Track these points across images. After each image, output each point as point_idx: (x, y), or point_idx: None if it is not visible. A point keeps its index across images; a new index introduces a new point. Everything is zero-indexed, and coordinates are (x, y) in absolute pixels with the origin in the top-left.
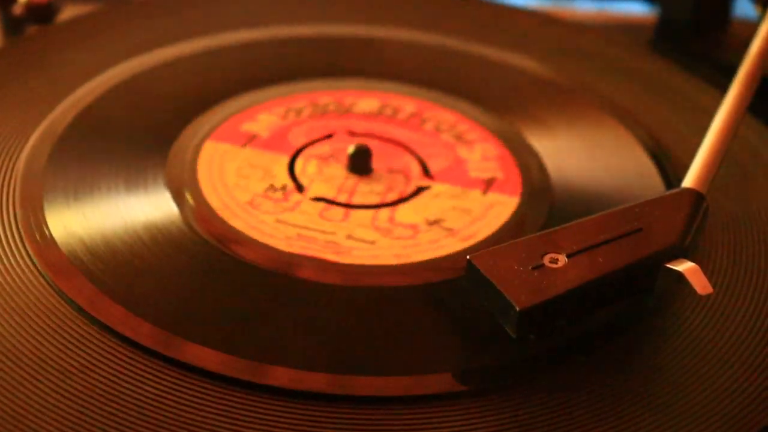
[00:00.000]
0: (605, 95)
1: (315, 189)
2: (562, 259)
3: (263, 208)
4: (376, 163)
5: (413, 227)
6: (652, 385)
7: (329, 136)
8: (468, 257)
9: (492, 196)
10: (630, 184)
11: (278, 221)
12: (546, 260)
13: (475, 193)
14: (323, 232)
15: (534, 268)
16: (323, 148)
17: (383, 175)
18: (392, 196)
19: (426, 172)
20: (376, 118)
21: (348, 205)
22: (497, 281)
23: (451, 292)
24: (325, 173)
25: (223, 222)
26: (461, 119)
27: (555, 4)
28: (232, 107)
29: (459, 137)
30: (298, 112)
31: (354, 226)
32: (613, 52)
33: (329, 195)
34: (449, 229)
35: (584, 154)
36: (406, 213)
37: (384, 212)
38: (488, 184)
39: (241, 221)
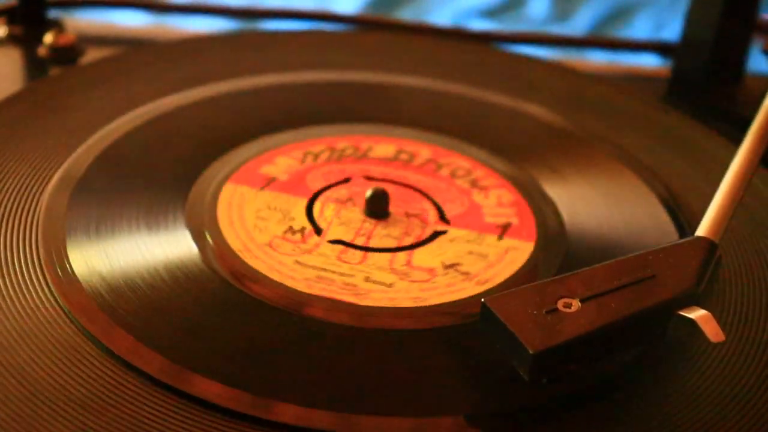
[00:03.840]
0: (619, 145)
1: (333, 232)
2: (576, 304)
3: (282, 249)
4: (393, 207)
5: (430, 271)
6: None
7: (347, 180)
8: (483, 300)
9: (507, 242)
10: (643, 232)
11: (297, 263)
12: (560, 304)
13: (491, 239)
14: (341, 274)
15: (548, 312)
16: (341, 191)
17: (400, 219)
18: (409, 240)
19: (442, 217)
20: (392, 163)
21: (365, 248)
22: (511, 324)
23: (463, 337)
24: (342, 216)
25: (242, 262)
26: (476, 165)
27: (566, 56)
28: (251, 150)
29: (474, 183)
30: (316, 156)
31: (372, 268)
32: (628, 103)
33: (347, 238)
34: (466, 273)
35: (598, 203)
36: (423, 257)
37: (401, 255)
38: (504, 230)
39: (260, 262)
